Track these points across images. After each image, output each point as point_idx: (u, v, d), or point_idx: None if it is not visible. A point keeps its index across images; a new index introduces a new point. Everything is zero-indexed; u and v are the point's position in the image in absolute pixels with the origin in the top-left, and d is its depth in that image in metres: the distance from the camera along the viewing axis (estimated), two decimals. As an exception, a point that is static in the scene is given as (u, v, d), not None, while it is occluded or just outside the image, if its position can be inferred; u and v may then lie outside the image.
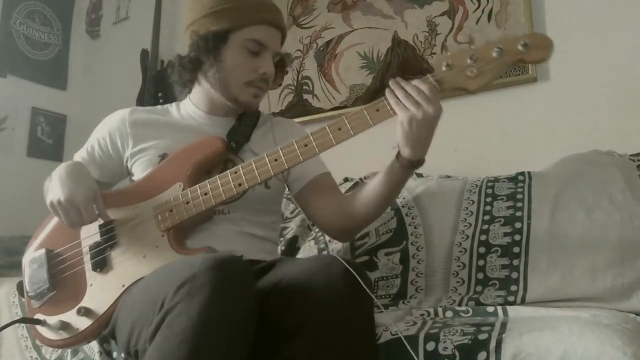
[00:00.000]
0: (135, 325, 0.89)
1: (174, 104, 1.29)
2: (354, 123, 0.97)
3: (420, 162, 1.00)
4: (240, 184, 1.02)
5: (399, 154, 1.00)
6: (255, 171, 1.02)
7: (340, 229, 1.19)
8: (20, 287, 1.14)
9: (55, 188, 1.05)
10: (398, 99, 0.94)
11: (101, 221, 1.08)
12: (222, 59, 1.13)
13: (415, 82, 0.95)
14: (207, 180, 1.05)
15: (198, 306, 0.75)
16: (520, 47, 0.92)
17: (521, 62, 0.95)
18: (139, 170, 1.17)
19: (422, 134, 0.95)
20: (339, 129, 0.98)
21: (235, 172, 1.03)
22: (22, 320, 1.12)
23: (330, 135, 0.98)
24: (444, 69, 0.96)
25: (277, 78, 1.23)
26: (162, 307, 0.79)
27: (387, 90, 0.96)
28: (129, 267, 1.04)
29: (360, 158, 1.57)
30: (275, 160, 1.01)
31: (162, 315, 0.78)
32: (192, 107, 1.24)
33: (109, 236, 1.08)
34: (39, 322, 1.08)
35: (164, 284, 0.83)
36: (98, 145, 1.23)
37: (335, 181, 1.26)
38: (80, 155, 1.25)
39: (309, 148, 0.99)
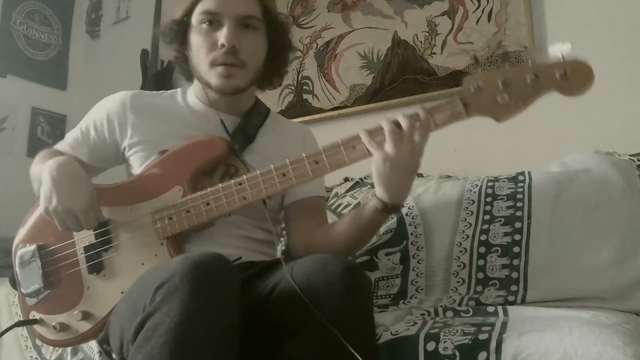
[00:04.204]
0: (124, 330, 0.86)
1: (179, 90, 1.21)
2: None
3: (395, 207, 0.95)
4: (245, 197, 0.98)
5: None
6: (262, 185, 0.97)
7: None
8: (12, 280, 1.12)
9: (48, 194, 1.00)
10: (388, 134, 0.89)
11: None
12: (190, 46, 1.09)
13: (406, 114, 0.90)
14: (209, 189, 1.00)
15: (179, 306, 0.73)
16: (558, 77, 0.86)
17: (557, 92, 0.88)
18: (137, 164, 1.12)
19: (394, 175, 0.90)
20: (354, 147, 0.93)
21: (240, 184, 0.98)
22: (20, 323, 1.10)
23: (344, 153, 0.93)
24: (472, 90, 0.90)
25: (276, 74, 1.16)
26: (143, 310, 0.77)
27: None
28: (127, 274, 1.01)
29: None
30: (284, 175, 0.96)
31: (143, 317, 0.76)
32: (193, 98, 1.18)
33: (105, 239, 1.04)
34: (36, 322, 1.07)
35: (144, 287, 0.81)
36: (94, 128, 1.17)
37: (325, 210, 1.19)
38: (73, 135, 1.21)
39: (320, 167, 0.94)
